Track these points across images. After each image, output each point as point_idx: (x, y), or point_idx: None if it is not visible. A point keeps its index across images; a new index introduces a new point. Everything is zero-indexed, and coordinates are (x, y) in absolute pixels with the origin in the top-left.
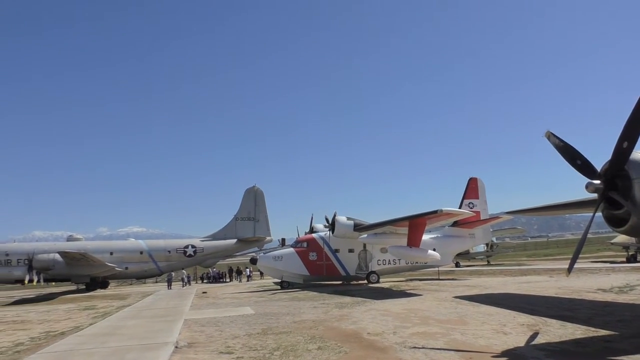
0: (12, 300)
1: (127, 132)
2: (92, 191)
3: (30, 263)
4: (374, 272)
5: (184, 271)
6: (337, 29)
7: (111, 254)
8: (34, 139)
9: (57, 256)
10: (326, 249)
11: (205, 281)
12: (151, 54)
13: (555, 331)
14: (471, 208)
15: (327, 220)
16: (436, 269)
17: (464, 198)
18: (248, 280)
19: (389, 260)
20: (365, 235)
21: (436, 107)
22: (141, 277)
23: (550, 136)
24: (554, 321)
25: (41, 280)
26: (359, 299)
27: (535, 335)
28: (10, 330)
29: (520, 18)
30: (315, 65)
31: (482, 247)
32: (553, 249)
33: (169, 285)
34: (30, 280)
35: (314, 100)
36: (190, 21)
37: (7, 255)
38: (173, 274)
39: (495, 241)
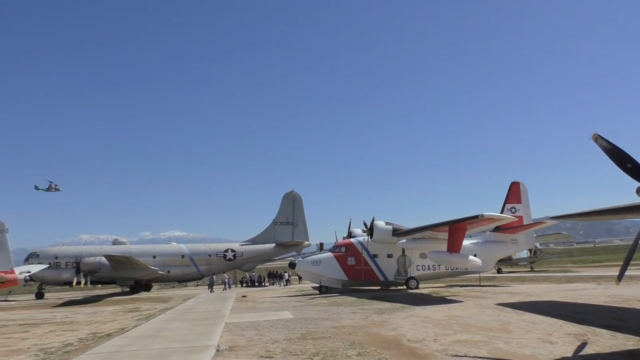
0: (61, 301)
1: (166, 140)
2: (136, 196)
3: (78, 266)
4: (413, 277)
5: (225, 275)
6: (382, 33)
7: (154, 257)
8: (78, 148)
9: (103, 259)
10: (364, 254)
11: (244, 285)
12: (201, 58)
13: (605, 341)
14: (513, 213)
15: (365, 225)
16: (477, 275)
17: (505, 203)
18: (286, 285)
19: (429, 266)
20: (404, 240)
21: (477, 112)
22: (183, 280)
23: (598, 139)
24: (603, 331)
25: (88, 282)
26: (399, 304)
27: (583, 345)
28: (60, 331)
29: (567, 26)
30: (356, 71)
31: (525, 253)
32: (600, 255)
33: (211, 289)
34: (78, 283)
35: (354, 105)
36: (251, 27)
37: (56, 258)
38: (215, 277)
39: (539, 247)
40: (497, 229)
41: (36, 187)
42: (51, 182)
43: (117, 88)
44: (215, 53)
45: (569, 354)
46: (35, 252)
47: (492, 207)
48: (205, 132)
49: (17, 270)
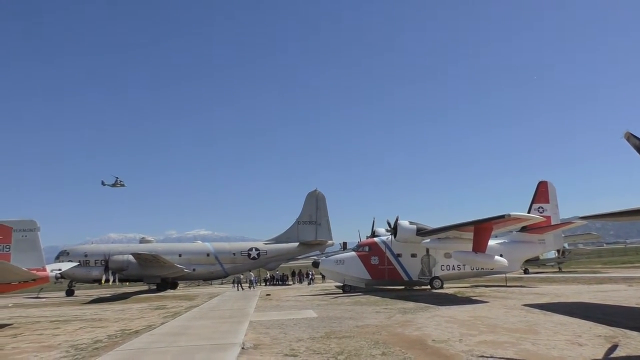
0: (91, 299)
1: (192, 141)
2: (162, 195)
3: (106, 264)
4: (437, 277)
5: (251, 273)
6: (409, 33)
7: (180, 255)
8: (104, 148)
9: (131, 257)
10: (388, 254)
11: (268, 284)
12: (225, 60)
13: (638, 344)
14: (541, 213)
15: (389, 224)
16: (503, 275)
17: (533, 202)
18: (309, 284)
19: (453, 266)
20: (429, 240)
21: (505, 112)
22: (208, 278)
23: (630, 137)
24: (635, 333)
25: (116, 280)
26: (423, 304)
27: (614, 347)
28: (90, 328)
29: (599, 26)
30: (384, 70)
31: (552, 254)
32: (632, 256)
33: (239, 287)
34: (107, 280)
35: (380, 105)
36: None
37: (85, 256)
38: (242, 276)
39: (567, 247)
40: (524, 229)
41: (103, 183)
42: (117, 177)
43: (148, 89)
44: (235, 57)
45: (599, 357)
46: (65, 250)
47: (519, 207)
48: (229, 134)
49: (48, 267)
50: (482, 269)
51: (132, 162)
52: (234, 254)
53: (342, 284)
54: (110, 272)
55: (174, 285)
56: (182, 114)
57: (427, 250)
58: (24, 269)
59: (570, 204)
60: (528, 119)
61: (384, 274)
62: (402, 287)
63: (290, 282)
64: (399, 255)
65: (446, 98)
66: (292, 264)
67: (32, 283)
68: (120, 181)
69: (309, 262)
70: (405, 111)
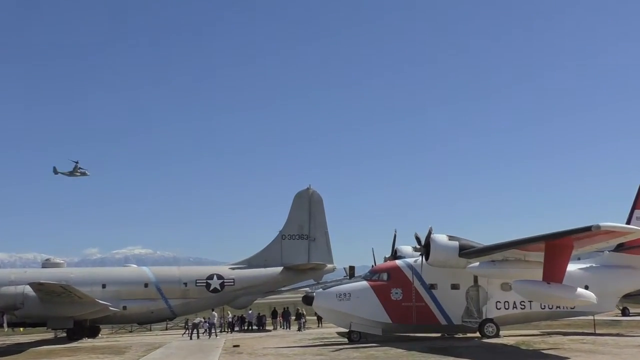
0: None
1: (132, 133)
2: (78, 201)
3: None
4: (490, 320)
5: (214, 313)
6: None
7: (104, 286)
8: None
9: (29, 289)
10: (417, 284)
11: (237, 329)
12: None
13: None
14: None
15: (417, 240)
16: (590, 317)
17: (634, 208)
18: (299, 329)
19: (515, 303)
20: (477, 264)
21: (593, 94)
22: (146, 320)
23: None
24: None
25: (5, 323)
26: None
27: None
28: None
29: None
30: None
31: None
32: None
33: (195, 334)
34: None
35: (406, 84)
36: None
37: None
38: (201, 319)
39: None
40: (620, 248)
41: (55, 171)
42: (77, 162)
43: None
44: (221, 40)
45: None
46: None
47: (612, 216)
48: (184, 116)
49: None
50: (557, 307)
51: (37, 155)
52: (185, 283)
53: (347, 330)
54: None
55: (93, 332)
56: (104, 90)
57: (476, 279)
58: None
59: None
60: (626, 97)
61: (411, 314)
62: (439, 334)
63: (271, 327)
64: (432, 286)
65: (493, 78)
66: (274, 298)
67: None
68: (81, 168)
69: (299, 296)
70: (441, 92)
